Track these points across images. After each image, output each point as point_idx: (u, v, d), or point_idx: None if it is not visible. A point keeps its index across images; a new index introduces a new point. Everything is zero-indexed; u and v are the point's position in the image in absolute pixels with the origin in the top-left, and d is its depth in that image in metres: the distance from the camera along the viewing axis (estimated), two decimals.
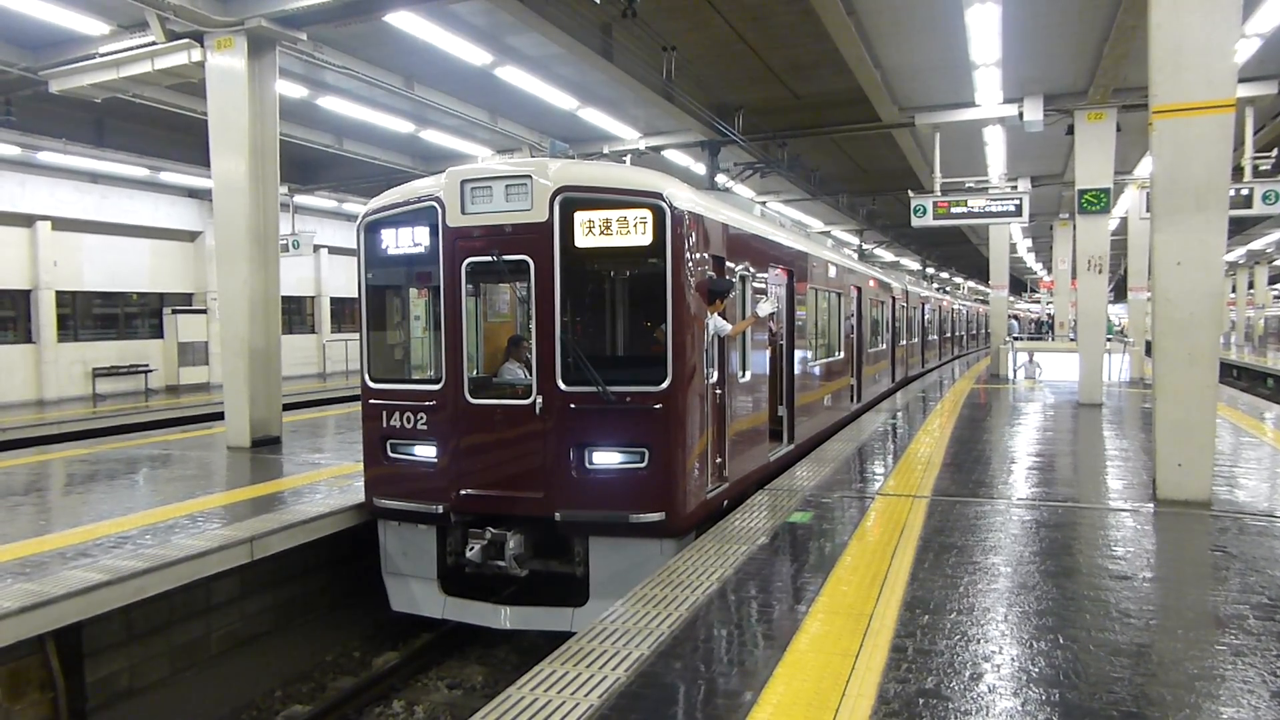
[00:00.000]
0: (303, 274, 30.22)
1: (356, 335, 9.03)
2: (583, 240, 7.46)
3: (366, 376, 8.47)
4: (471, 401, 7.88)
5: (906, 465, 10.46)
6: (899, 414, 15.90)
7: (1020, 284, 69.05)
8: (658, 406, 7.41)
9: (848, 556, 6.65)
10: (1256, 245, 45.72)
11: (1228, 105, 7.76)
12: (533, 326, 7.64)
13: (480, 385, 8.11)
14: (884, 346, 20.72)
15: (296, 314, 30.40)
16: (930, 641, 4.94)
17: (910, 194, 17.78)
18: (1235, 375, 35.80)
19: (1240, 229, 36.90)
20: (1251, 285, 57.90)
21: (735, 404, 8.99)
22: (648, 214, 7.34)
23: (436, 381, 8.03)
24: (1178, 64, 7.77)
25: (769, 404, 10.48)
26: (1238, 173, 15.91)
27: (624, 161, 19.52)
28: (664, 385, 7.40)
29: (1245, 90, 14.48)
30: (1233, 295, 58.24)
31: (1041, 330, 48.57)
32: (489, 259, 7.74)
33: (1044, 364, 23.31)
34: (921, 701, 4.20)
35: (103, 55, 13.03)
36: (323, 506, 8.49)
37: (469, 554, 7.72)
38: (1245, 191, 16.09)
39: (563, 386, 7.53)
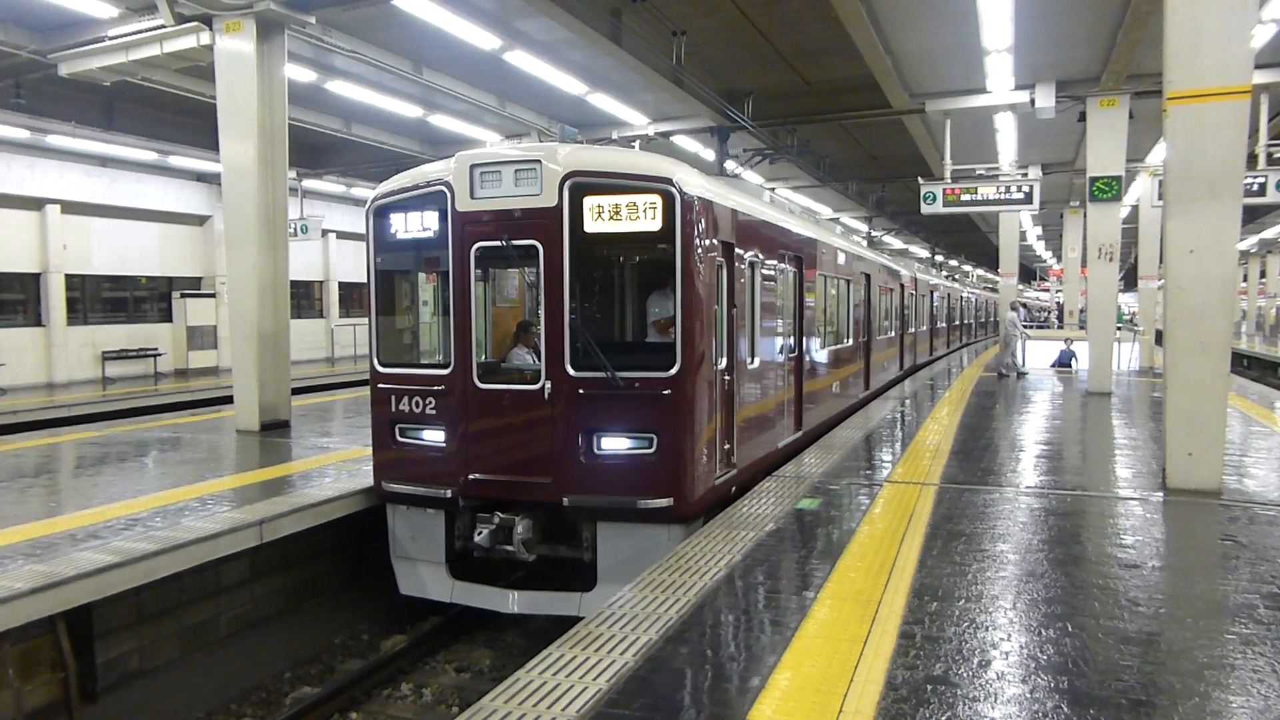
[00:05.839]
0: (311, 259, 30.21)
1: (364, 320, 9.02)
2: (592, 225, 7.44)
3: (375, 361, 8.47)
4: (480, 386, 7.88)
5: (915, 453, 10.44)
6: (907, 401, 15.87)
7: (1030, 272, 68.78)
8: (666, 392, 7.40)
9: (856, 543, 6.65)
10: (1269, 234, 45.43)
11: (1243, 92, 7.69)
12: (541, 312, 7.63)
13: (489, 370, 8.11)
14: (893, 334, 20.67)
15: (305, 299, 30.41)
16: (939, 628, 4.94)
17: (920, 181, 17.72)
18: (1246, 365, 35.62)
19: (1252, 217, 36.68)
20: (1263, 274, 57.55)
21: (744, 390, 8.98)
22: (657, 199, 7.32)
23: (445, 366, 8.03)
24: (1193, 50, 7.70)
25: (777, 391, 10.47)
26: (1251, 160, 15.79)
27: (633, 147, 19.45)
28: (673, 371, 7.39)
29: (1260, 77, 14.35)
30: (1244, 284, 57.91)
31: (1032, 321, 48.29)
32: (498, 243, 7.72)
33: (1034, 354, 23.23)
34: (930, 688, 4.20)
35: (112, 38, 13.03)
36: (331, 490, 8.52)
37: (477, 538, 7.74)
38: (1260, 180, 16.00)
39: (571, 372, 7.52)
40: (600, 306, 9.11)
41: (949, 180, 17.35)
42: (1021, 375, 20.41)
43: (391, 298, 8.99)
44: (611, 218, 7.40)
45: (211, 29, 11.94)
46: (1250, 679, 4.30)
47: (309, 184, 26.63)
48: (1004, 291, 28.76)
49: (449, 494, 7.93)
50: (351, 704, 7.38)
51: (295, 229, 22.82)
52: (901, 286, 21.79)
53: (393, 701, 7.51)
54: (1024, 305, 43.67)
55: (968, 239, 51.04)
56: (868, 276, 16.95)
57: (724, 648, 4.78)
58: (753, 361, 9.33)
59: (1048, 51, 15.02)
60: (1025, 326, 27.41)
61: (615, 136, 20.48)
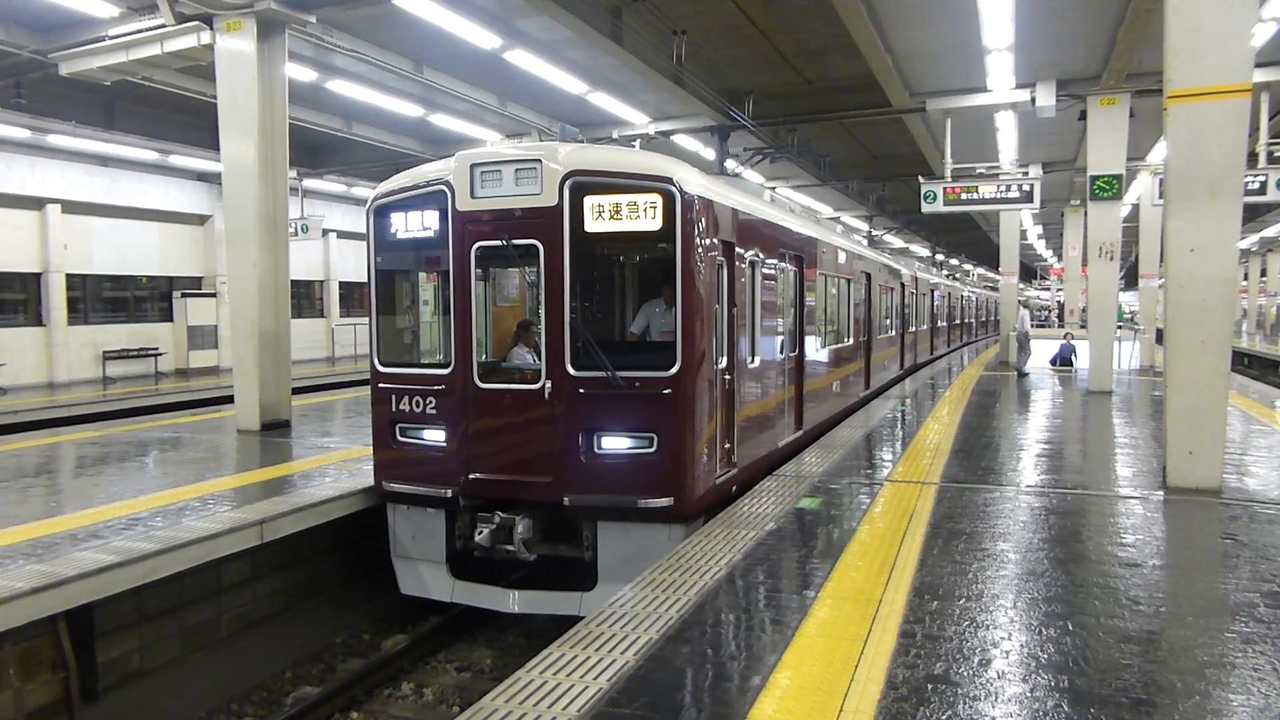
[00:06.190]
0: (311, 258, 30.22)
1: (365, 319, 9.02)
2: (592, 225, 7.43)
3: (376, 360, 8.47)
4: (481, 386, 7.88)
5: (915, 452, 10.44)
6: (908, 400, 15.87)
7: (1030, 271, 68.76)
8: (667, 392, 7.40)
9: (856, 542, 6.65)
10: (1270, 232, 45.41)
11: (1244, 90, 7.69)
12: (542, 311, 7.62)
13: (489, 370, 8.11)
14: (893, 333, 20.67)
15: (305, 298, 30.43)
16: (939, 627, 4.94)
17: (921, 180, 17.70)
18: (1246, 363, 35.64)
19: (1253, 216, 36.65)
20: (1264, 272, 57.52)
21: (744, 390, 8.98)
22: (658, 199, 7.32)
23: (446, 366, 8.04)
24: (1194, 48, 7.70)
25: (778, 390, 10.47)
26: (1251, 159, 15.77)
27: (633, 146, 19.45)
28: (673, 370, 7.39)
29: (1260, 75, 14.31)
30: (1244, 282, 57.88)
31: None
32: (498, 243, 7.72)
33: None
34: (930, 687, 4.20)
35: (112, 38, 13.02)
36: (332, 490, 8.52)
37: (478, 538, 7.73)
38: (1260, 178, 15.98)
39: (572, 371, 7.53)
40: (601, 306, 9.12)
41: (949, 179, 17.33)
42: (1023, 375, 20.40)
43: (392, 297, 9.00)
44: (612, 217, 7.40)
45: (212, 28, 11.92)
46: (1251, 677, 4.30)
47: (309, 183, 26.64)
48: (1004, 290, 28.72)
49: (449, 493, 7.93)
50: (352, 703, 7.38)
51: (296, 228, 22.83)
52: (902, 285, 21.78)
53: (394, 701, 7.52)
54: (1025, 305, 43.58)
55: (968, 238, 51.00)
56: (868, 275, 16.95)
57: (724, 647, 4.78)
58: (753, 361, 9.33)
59: (1048, 50, 15.01)
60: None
61: (616, 136, 20.46)
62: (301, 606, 8.49)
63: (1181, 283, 8.00)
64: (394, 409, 8.27)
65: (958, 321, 37.98)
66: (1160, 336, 13.45)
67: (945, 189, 17.10)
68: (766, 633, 4.95)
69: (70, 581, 5.94)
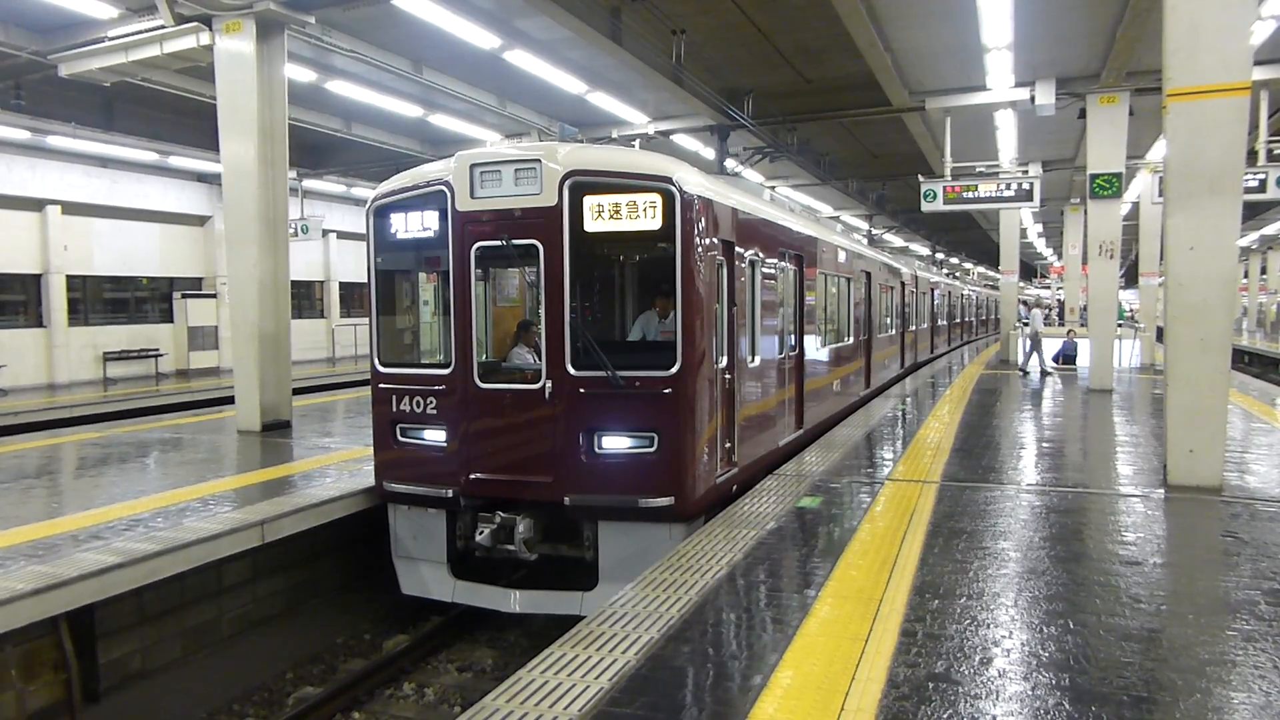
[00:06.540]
0: (311, 258, 30.21)
1: (365, 320, 9.01)
2: (592, 224, 7.44)
3: (376, 361, 8.48)
4: (481, 386, 7.89)
5: (916, 450, 10.44)
6: (909, 399, 15.87)
7: (1030, 269, 68.77)
8: (667, 391, 7.40)
9: (857, 541, 6.65)
10: (1270, 230, 45.38)
11: (1243, 88, 7.69)
12: (542, 311, 7.63)
13: (490, 370, 8.12)
14: (894, 332, 20.67)
15: (305, 299, 30.43)
16: (940, 626, 4.94)
17: (920, 179, 17.70)
18: (1246, 361, 35.63)
19: (1253, 214, 36.65)
20: (1264, 270, 57.50)
21: (745, 389, 8.98)
22: (657, 198, 7.32)
23: (446, 366, 8.04)
24: (1193, 46, 7.70)
25: (778, 389, 10.47)
26: (1251, 157, 15.77)
27: (633, 146, 19.45)
28: (674, 370, 7.39)
29: (1259, 73, 14.29)
30: (1244, 280, 57.86)
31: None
32: (498, 243, 7.72)
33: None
34: (931, 685, 4.20)
35: (112, 39, 13.02)
36: (333, 490, 8.52)
37: (478, 538, 7.74)
38: (1260, 176, 15.98)
39: (572, 371, 7.53)
40: (601, 305, 9.12)
41: (949, 178, 17.33)
42: (1024, 374, 20.40)
43: (392, 298, 9.00)
44: (611, 217, 7.41)
45: (211, 29, 11.93)
46: (1251, 675, 4.30)
47: (309, 184, 26.63)
48: (1005, 289, 28.72)
49: (450, 494, 7.93)
50: (354, 704, 7.38)
51: (296, 229, 22.81)
52: (902, 284, 21.77)
53: (395, 701, 7.52)
54: (1024, 303, 43.52)
55: (968, 236, 51.00)
56: (868, 274, 16.95)
57: (726, 646, 4.78)
58: (753, 360, 9.33)
59: (1048, 49, 15.01)
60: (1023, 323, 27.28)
61: (615, 135, 20.46)
62: (302, 607, 8.49)
63: (1181, 281, 8.00)
64: (394, 409, 8.28)
65: (958, 320, 37.98)
66: (1160, 334, 13.45)
67: (945, 188, 17.10)
68: (767, 632, 4.95)
69: (72, 582, 5.95)
